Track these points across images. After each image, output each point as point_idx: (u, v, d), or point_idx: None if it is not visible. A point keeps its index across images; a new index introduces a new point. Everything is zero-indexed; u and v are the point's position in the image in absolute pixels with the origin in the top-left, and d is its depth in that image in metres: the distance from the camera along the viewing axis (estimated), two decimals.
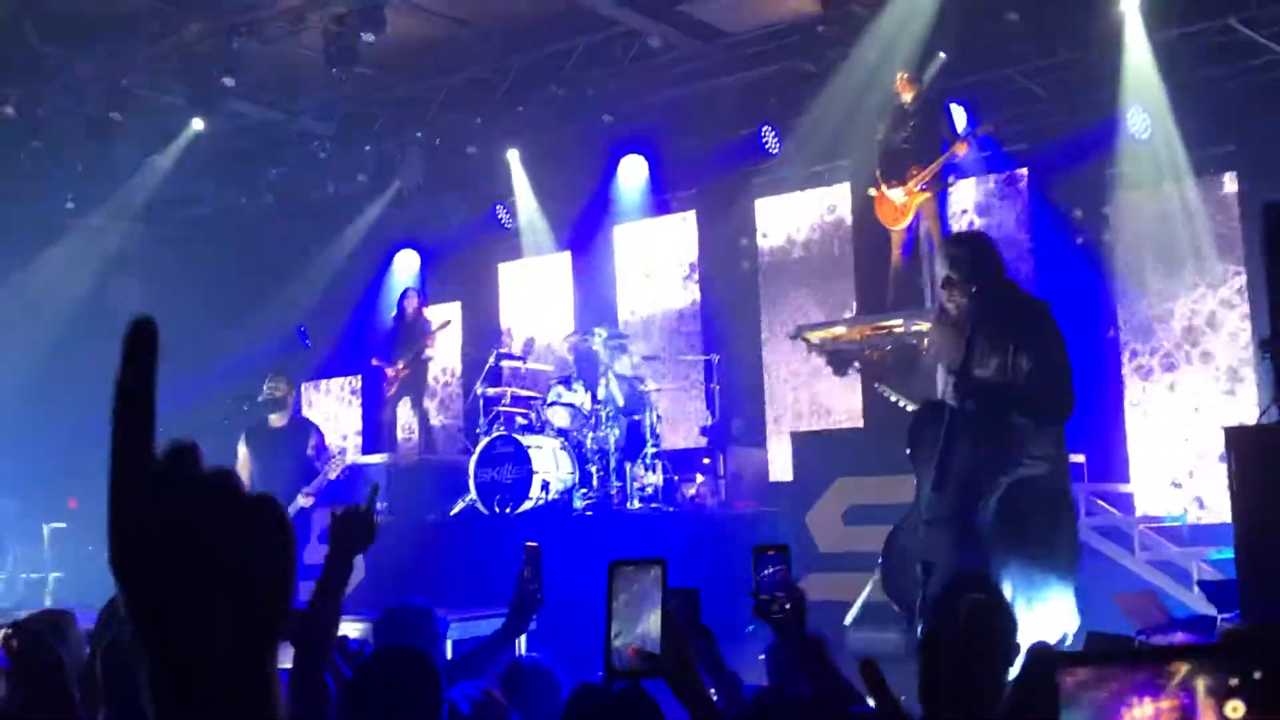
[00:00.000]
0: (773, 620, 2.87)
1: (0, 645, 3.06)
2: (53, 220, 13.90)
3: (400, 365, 12.56)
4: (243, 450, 9.32)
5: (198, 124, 12.58)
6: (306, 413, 13.55)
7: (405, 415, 13.22)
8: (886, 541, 5.13)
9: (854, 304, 12.08)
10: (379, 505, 9.86)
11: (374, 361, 13.08)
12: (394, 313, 13.08)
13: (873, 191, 9.92)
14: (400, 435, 13.68)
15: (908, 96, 9.77)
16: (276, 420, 9.34)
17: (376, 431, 13.34)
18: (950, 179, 9.68)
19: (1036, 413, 4.92)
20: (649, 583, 2.30)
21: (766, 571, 2.86)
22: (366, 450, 13.14)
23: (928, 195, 9.49)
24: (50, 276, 13.76)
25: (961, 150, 9.48)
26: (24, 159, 12.78)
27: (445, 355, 14.29)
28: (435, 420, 13.65)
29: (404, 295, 13.01)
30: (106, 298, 13.89)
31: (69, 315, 13.39)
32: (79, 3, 10.22)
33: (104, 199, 13.69)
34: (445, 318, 13.13)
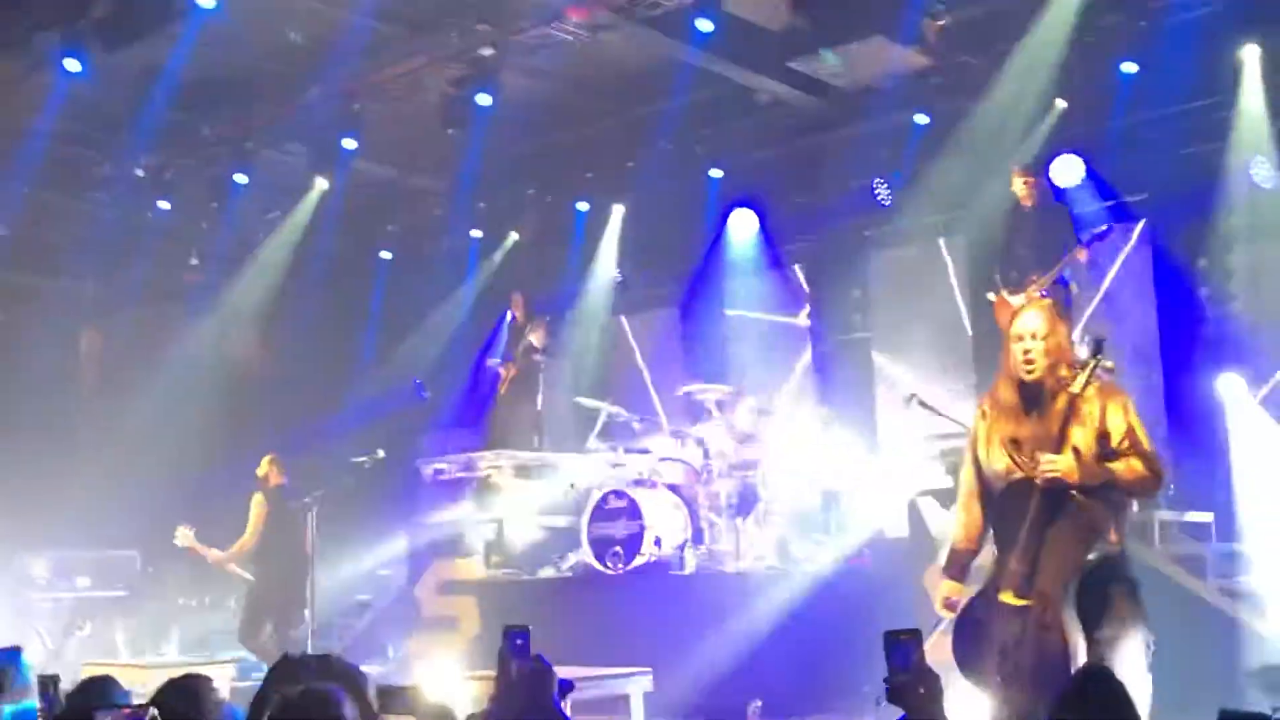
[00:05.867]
0: (907, 706, 2.82)
1: None
2: (177, 277, 14.33)
3: (511, 363, 12.72)
4: None
5: (322, 183, 12.92)
6: None
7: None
8: (962, 612, 5.03)
9: (971, 367, 11.90)
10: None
11: (489, 362, 13.24)
12: (507, 318, 13.30)
13: (992, 296, 9.79)
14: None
15: (1028, 201, 9.68)
16: None
17: (491, 430, 13.31)
18: (1073, 285, 9.50)
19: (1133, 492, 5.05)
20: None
21: (899, 656, 2.81)
22: (480, 447, 13.04)
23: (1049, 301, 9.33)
24: (176, 331, 14.16)
25: (1082, 256, 9.33)
26: (151, 218, 13.22)
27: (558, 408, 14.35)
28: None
29: (510, 299, 13.23)
30: (229, 351, 14.27)
31: (194, 368, 13.75)
32: (205, 69, 10.57)
33: (228, 256, 14.08)
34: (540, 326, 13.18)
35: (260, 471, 10.58)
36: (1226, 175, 10.53)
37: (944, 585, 5.18)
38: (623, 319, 14.76)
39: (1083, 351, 5.24)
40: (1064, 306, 9.37)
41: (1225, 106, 10.37)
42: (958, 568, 5.19)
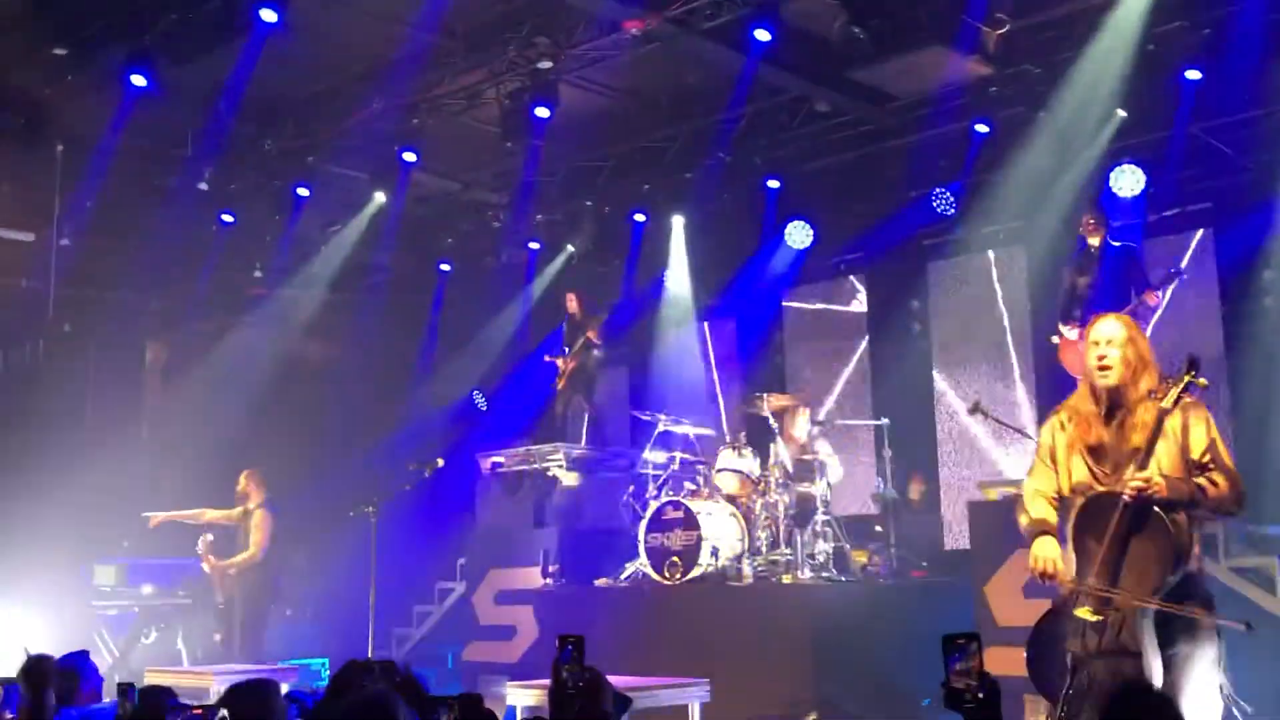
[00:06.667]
0: (965, 710, 2.79)
1: None
2: (242, 289, 14.52)
3: (569, 357, 12.77)
4: None
5: (380, 198, 13.06)
6: None
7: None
8: (1037, 624, 4.91)
9: (1030, 379, 11.79)
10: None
11: (546, 357, 13.31)
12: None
13: (1055, 338, 9.69)
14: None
15: (1094, 241, 9.56)
16: None
17: (549, 424, 13.37)
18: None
19: (1215, 509, 4.82)
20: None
21: (957, 661, 2.78)
22: (539, 439, 13.10)
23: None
24: (240, 343, 14.33)
25: (1152, 300, 9.18)
26: (215, 231, 13.42)
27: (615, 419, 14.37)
28: None
29: (564, 298, 13.31)
30: (293, 363, 14.41)
31: (257, 380, 13.90)
32: (268, 84, 10.70)
33: (290, 268, 14.25)
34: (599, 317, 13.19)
35: (240, 488, 10.73)
36: None
37: (1040, 543, 4.82)
38: (678, 329, 14.77)
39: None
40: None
41: None
42: (1044, 530, 4.87)
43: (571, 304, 13.09)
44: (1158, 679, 4.44)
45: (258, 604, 10.59)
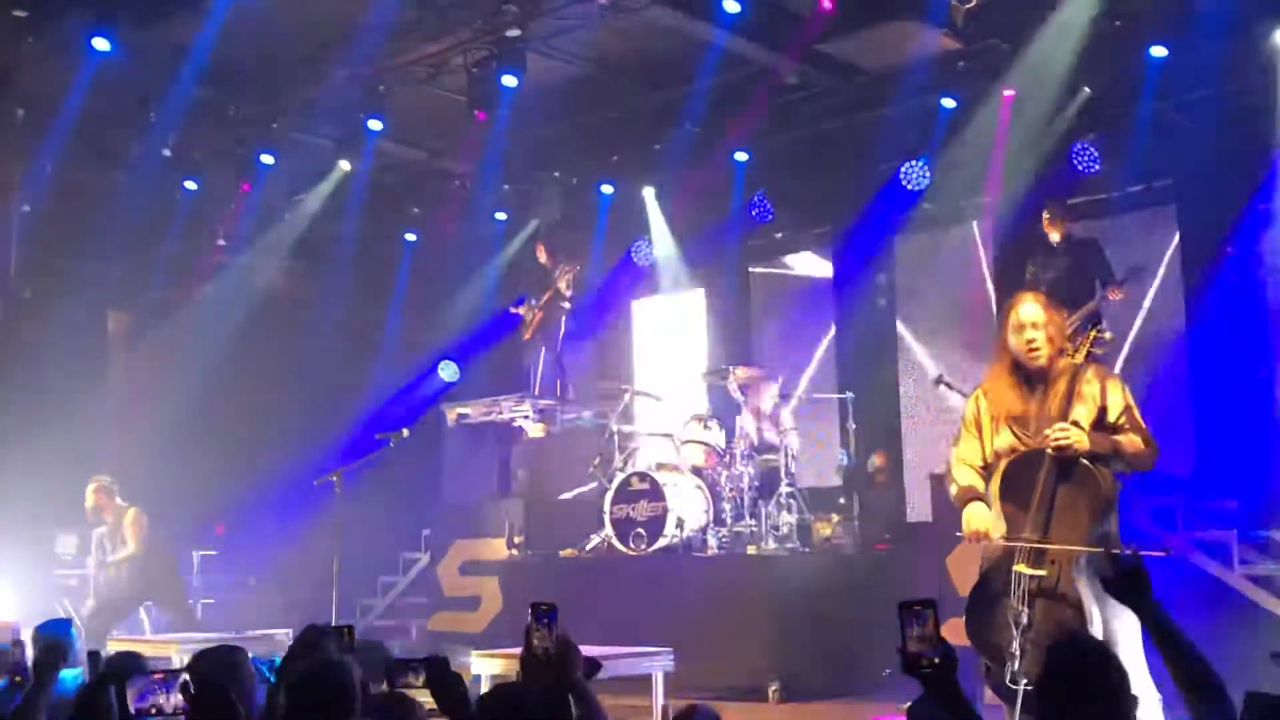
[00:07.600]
0: (921, 676, 2.82)
1: (179, 690, 3.17)
2: (204, 258, 14.38)
3: (535, 307, 12.61)
4: None
5: (344, 165, 12.94)
6: None
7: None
8: (973, 591, 5.05)
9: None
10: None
11: (512, 308, 13.10)
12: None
13: None
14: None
15: (1055, 235, 9.56)
16: None
17: (512, 376, 13.24)
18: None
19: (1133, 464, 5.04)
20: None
21: (914, 627, 2.81)
22: (504, 391, 13.00)
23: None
24: (204, 312, 14.22)
25: (1114, 295, 9.20)
26: (179, 198, 13.27)
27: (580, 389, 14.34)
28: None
29: (535, 246, 13.13)
30: (257, 331, 14.31)
31: (221, 349, 13.80)
32: (233, 49, 10.58)
33: (254, 237, 14.13)
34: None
35: (91, 503, 10.82)
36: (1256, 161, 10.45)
37: (971, 508, 5.06)
38: (645, 301, 14.76)
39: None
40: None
41: (1255, 92, 10.27)
42: (974, 496, 5.12)
43: (541, 254, 12.94)
44: (1098, 628, 4.59)
45: (119, 590, 10.71)
